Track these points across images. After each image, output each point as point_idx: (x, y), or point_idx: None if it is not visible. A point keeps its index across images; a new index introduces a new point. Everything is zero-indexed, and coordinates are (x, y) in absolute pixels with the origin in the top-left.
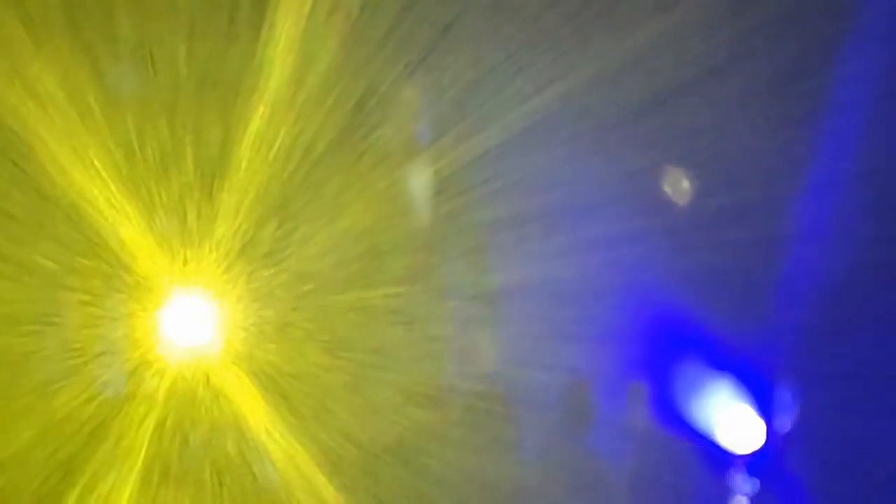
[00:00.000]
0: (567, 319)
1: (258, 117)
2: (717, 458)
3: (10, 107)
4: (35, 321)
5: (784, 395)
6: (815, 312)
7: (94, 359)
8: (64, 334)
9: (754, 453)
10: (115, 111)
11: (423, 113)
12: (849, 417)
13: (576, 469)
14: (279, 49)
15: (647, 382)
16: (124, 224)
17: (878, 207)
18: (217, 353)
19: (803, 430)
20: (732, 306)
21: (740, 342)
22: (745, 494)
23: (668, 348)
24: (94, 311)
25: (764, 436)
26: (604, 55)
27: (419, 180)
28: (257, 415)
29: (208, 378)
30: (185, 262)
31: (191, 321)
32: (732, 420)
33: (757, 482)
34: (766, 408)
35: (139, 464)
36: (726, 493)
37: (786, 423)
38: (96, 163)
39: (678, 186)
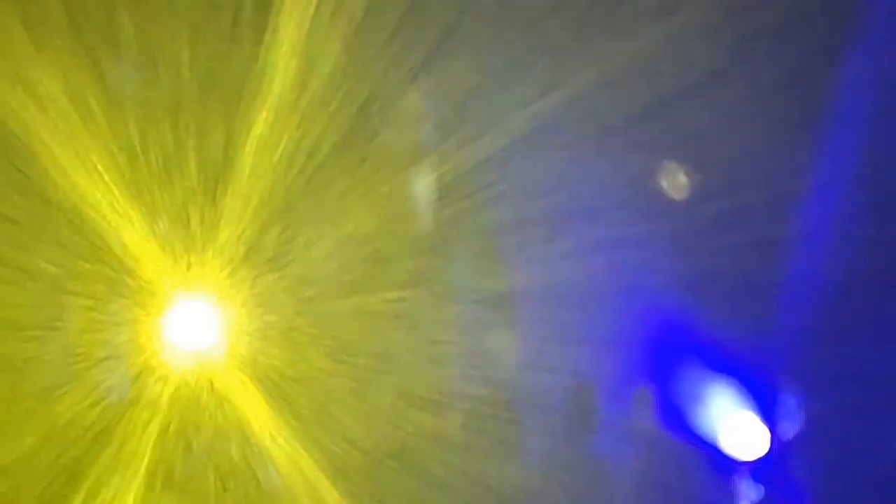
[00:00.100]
0: (571, 323)
1: (261, 121)
2: (721, 464)
3: (11, 110)
4: (37, 326)
5: (788, 400)
6: (819, 316)
7: (97, 364)
8: (67, 339)
9: (758, 459)
10: (117, 115)
11: (426, 117)
12: (854, 422)
13: (580, 473)
14: (282, 53)
15: (651, 386)
16: (127, 228)
17: (881, 210)
18: (221, 357)
19: (808, 435)
20: (736, 310)
21: (744, 346)
22: (750, 501)
23: (671, 352)
24: (97, 315)
25: (768, 441)
26: (607, 59)
27: (423, 184)
28: (261, 420)
29: (212, 383)
30: (189, 266)
31: (194, 326)
32: (736, 426)
33: (761, 488)
34: (770, 413)
35: (143, 469)
36: (731, 499)
37: (790, 428)
38: (99, 167)
39: (675, 181)
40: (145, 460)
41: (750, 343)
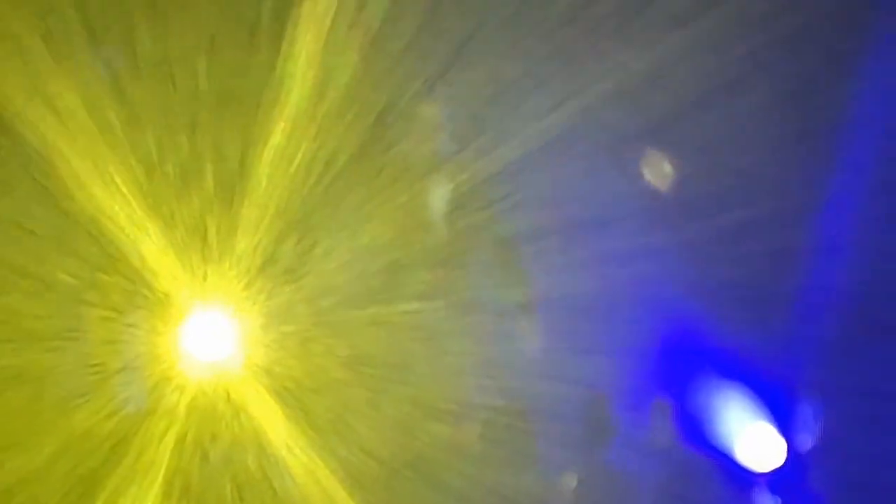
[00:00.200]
0: (587, 333)
1: (278, 132)
2: (737, 475)
3: (30, 122)
4: (55, 337)
5: (805, 411)
6: (835, 326)
7: (114, 374)
8: (84, 350)
9: (775, 470)
10: (135, 126)
11: (442, 127)
12: (870, 433)
13: (596, 483)
14: (299, 64)
15: (668, 397)
16: (144, 240)
17: None
18: (237, 368)
19: (824, 447)
20: (753, 320)
21: (760, 357)
22: None
23: (687, 362)
24: (115, 326)
25: (785, 453)
26: (623, 70)
27: (439, 195)
28: (278, 430)
29: (228, 393)
30: (206, 277)
31: (211, 336)
32: (753, 437)
33: (778, 499)
34: (786, 424)
35: (160, 479)
36: None
37: (807, 439)
38: (116, 178)
39: (659, 172)
40: (162, 470)
41: (766, 354)
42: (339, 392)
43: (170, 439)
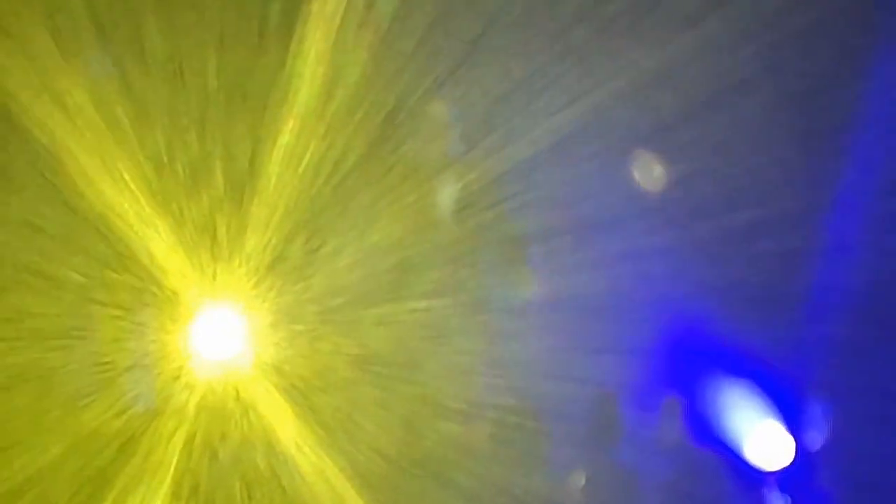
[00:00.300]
0: (597, 332)
1: (287, 130)
2: (746, 474)
3: (39, 120)
4: (64, 335)
5: (814, 410)
6: (844, 326)
7: (123, 373)
8: (93, 349)
9: (784, 469)
10: (144, 124)
11: (452, 126)
12: (879, 432)
13: (605, 482)
14: (309, 62)
15: (677, 396)
16: (154, 238)
17: None
18: (246, 366)
19: (833, 445)
20: (762, 320)
21: (769, 356)
22: None
23: (697, 362)
24: (124, 325)
25: (794, 452)
26: (632, 69)
27: (448, 194)
28: (287, 428)
29: (238, 392)
30: (215, 276)
31: (220, 335)
32: (761, 436)
33: (787, 498)
34: (795, 423)
35: (169, 478)
36: None
37: (815, 438)
38: (126, 176)
39: (649, 174)
40: (171, 469)
41: (775, 353)
42: (347, 390)
43: (179, 438)
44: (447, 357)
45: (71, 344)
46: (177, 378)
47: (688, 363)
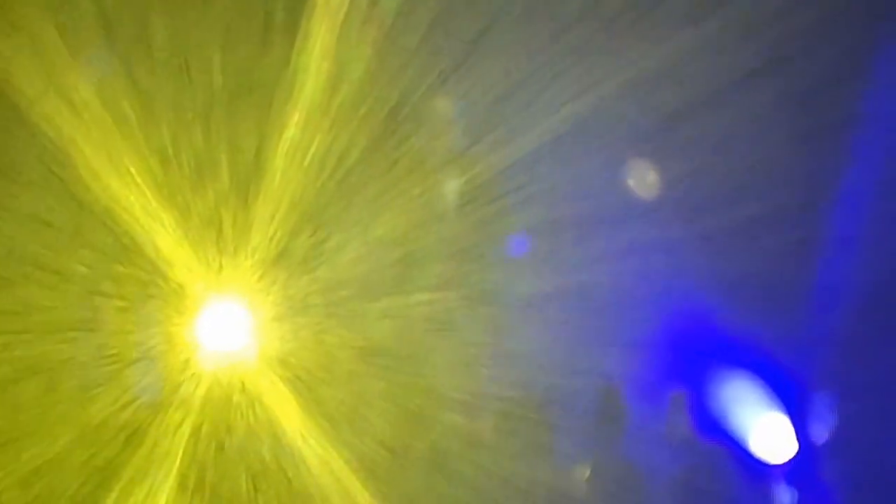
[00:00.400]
0: (602, 326)
1: (293, 125)
2: (751, 467)
3: (45, 115)
4: (71, 328)
5: (819, 404)
6: (850, 320)
7: (130, 365)
8: (100, 341)
9: (789, 462)
10: (150, 119)
11: (456, 121)
12: (884, 426)
13: (610, 474)
14: (313, 57)
15: (682, 390)
16: (160, 231)
17: None
18: (252, 359)
19: (838, 439)
20: (767, 314)
21: (775, 350)
22: None
23: (702, 355)
24: (130, 317)
25: (799, 445)
26: (634, 65)
27: (452, 188)
28: (292, 420)
29: (243, 384)
30: (221, 269)
31: (226, 328)
32: (767, 429)
33: (792, 491)
34: (800, 416)
35: (175, 469)
36: (761, 501)
37: (821, 431)
38: (132, 170)
39: (643, 179)
40: (177, 460)
41: (780, 346)
42: (353, 383)
43: (185, 430)
44: (452, 349)
45: (77, 336)
46: (183, 370)
47: (693, 356)
